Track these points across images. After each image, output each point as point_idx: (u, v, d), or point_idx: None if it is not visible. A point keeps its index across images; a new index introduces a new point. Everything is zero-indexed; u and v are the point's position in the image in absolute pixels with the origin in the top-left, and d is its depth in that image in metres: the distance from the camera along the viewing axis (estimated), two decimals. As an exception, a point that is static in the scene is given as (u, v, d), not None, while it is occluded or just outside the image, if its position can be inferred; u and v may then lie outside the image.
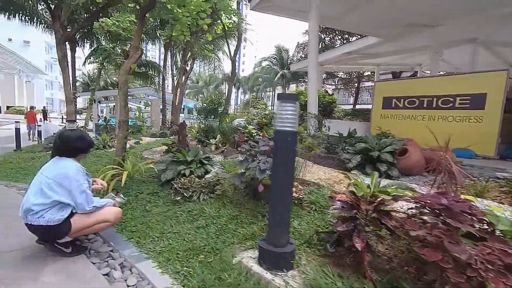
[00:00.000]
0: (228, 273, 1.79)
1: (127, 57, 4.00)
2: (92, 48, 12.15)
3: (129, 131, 4.74)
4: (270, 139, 3.28)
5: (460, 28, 8.24)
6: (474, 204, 1.52)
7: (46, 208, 2.00)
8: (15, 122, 8.06)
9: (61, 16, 7.47)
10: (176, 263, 2.02)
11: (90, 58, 13.17)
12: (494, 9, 6.75)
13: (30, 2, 9.12)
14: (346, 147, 4.15)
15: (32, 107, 14.37)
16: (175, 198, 3.05)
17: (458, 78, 5.79)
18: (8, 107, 29.66)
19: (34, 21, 9.91)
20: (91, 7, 8.63)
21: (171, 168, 3.51)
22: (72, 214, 2.08)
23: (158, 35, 12.17)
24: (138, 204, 3.16)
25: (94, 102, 12.51)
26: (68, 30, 8.28)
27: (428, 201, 1.52)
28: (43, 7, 9.47)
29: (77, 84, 19.38)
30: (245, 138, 5.14)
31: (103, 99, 18.76)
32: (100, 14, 8.63)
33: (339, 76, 23.94)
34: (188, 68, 9.64)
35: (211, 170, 3.65)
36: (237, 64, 9.94)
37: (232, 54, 9.48)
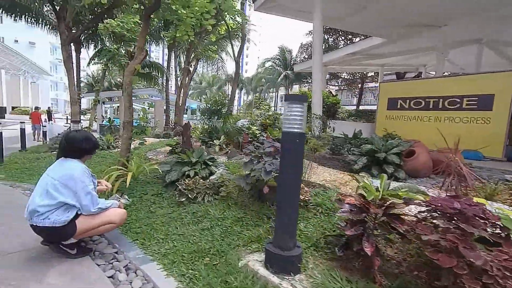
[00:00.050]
0: (234, 276, 1.76)
1: (131, 58, 4.00)
2: (97, 49, 12.24)
3: (133, 132, 4.75)
4: (274, 140, 3.26)
5: (465, 28, 8.18)
6: (486, 207, 1.48)
7: (52, 209, 1.99)
8: (20, 122, 8.11)
9: (66, 17, 7.54)
10: (181, 266, 2.00)
11: (95, 59, 13.25)
12: (499, 9, 6.68)
13: (36, 3, 9.23)
14: (352, 149, 4.10)
15: (37, 108, 14.45)
16: (180, 199, 3.04)
17: (465, 78, 5.72)
18: (13, 108, 29.89)
19: (40, 22, 10.02)
20: (96, 9, 8.70)
21: (175, 169, 3.49)
22: (77, 215, 2.07)
23: (162, 36, 12.20)
24: (142, 205, 3.15)
25: (98, 103, 12.59)
26: (73, 31, 8.35)
27: (440, 205, 1.48)
28: (48, 8, 9.58)
29: (82, 85, 19.56)
30: (249, 139, 5.12)
31: (107, 100, 18.90)
32: (105, 15, 8.67)
33: (342, 77, 23.89)
34: (191, 69, 9.65)
35: (216, 172, 3.63)
36: (240, 65, 9.92)
37: (236, 55, 9.47)
